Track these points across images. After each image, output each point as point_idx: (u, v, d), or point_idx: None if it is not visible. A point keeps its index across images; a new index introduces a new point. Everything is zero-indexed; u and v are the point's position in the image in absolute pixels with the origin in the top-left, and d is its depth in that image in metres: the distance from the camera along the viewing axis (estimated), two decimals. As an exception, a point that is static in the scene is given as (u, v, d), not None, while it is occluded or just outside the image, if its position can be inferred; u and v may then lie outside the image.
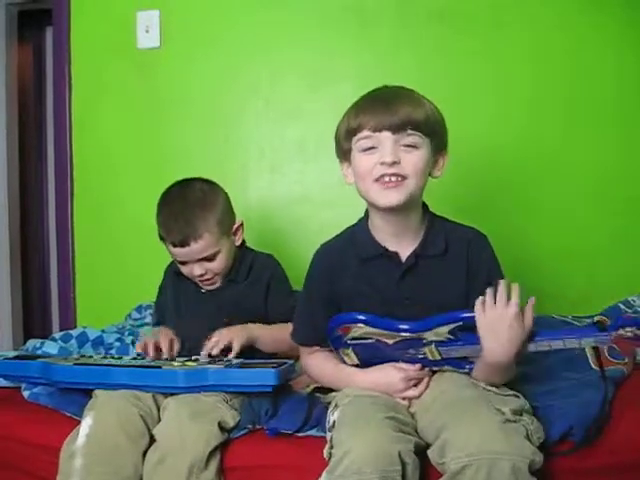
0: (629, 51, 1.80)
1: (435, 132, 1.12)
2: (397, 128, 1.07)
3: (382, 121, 1.08)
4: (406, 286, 1.13)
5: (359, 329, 1.10)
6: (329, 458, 0.99)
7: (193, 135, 2.07)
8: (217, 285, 1.43)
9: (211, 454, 1.07)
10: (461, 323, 1.04)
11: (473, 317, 1.03)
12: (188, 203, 1.37)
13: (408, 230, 1.15)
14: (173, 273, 1.49)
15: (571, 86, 1.84)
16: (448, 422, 0.97)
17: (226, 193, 1.47)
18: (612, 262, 1.83)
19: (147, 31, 2.06)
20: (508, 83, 1.87)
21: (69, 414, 1.22)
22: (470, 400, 1.02)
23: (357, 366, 1.15)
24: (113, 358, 1.32)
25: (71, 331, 1.69)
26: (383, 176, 1.08)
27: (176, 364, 1.23)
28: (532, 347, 1.04)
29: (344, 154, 1.17)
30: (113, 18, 2.11)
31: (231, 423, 1.14)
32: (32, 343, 1.60)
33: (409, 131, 1.08)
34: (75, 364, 1.26)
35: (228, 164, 2.05)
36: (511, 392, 1.07)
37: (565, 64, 1.84)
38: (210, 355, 1.28)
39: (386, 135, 1.08)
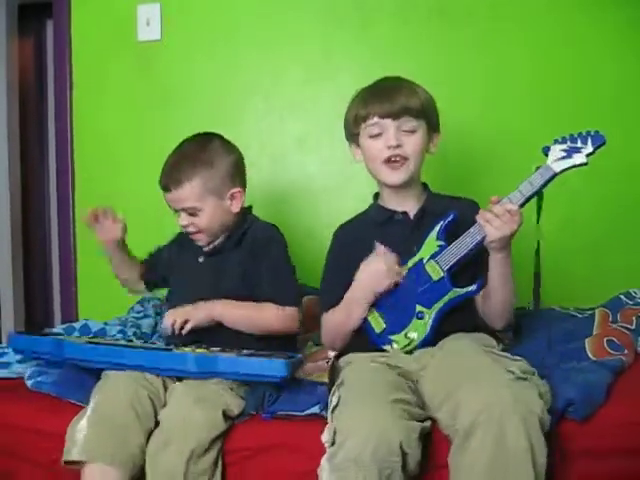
0: (628, 46, 1.80)
1: (428, 115, 1.33)
2: (397, 115, 1.29)
3: (385, 110, 1.29)
4: (416, 237, 1.30)
5: None
6: (331, 443, 0.99)
7: (194, 128, 2.02)
8: (202, 242, 1.45)
9: (213, 440, 1.08)
10: (442, 223, 1.26)
11: (452, 217, 1.26)
12: (184, 152, 1.44)
13: (412, 198, 1.37)
14: (176, 245, 1.56)
15: (570, 82, 1.84)
16: (459, 383, 1.01)
17: (239, 158, 1.48)
18: (614, 255, 1.83)
19: (148, 24, 2.06)
20: (508, 78, 1.88)
21: (73, 401, 1.23)
22: (480, 362, 1.07)
23: (384, 330, 1.27)
24: (124, 340, 1.36)
25: (74, 324, 1.69)
26: (389, 157, 1.30)
27: (187, 349, 1.24)
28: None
29: (352, 137, 1.39)
30: (114, 11, 2.11)
31: (236, 411, 1.15)
32: (34, 336, 1.60)
33: (407, 117, 1.29)
34: (88, 342, 1.28)
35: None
36: (517, 357, 1.11)
37: (564, 60, 1.84)
38: (173, 334, 1.32)
39: (389, 122, 1.29)
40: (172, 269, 1.54)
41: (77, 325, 1.67)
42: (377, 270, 1.25)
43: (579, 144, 1.22)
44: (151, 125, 2.10)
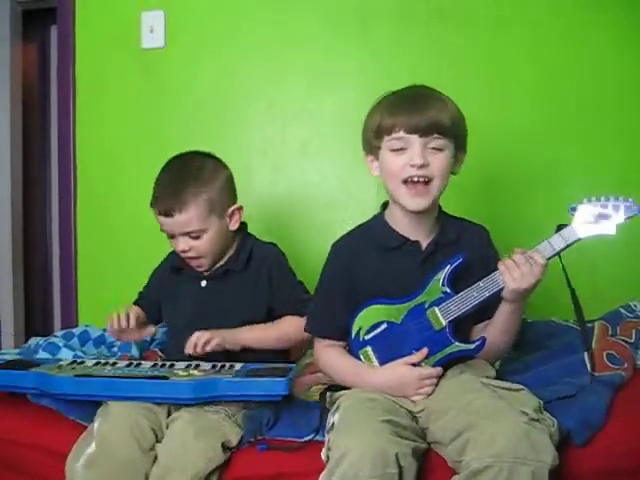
0: (629, 48, 1.80)
1: (457, 132, 1.21)
2: (425, 131, 1.16)
3: (414, 124, 1.15)
4: (424, 271, 1.20)
5: (372, 312, 1.19)
6: (327, 460, 1.00)
7: (196, 135, 2.07)
8: (204, 268, 1.40)
9: (211, 473, 1.06)
10: (449, 267, 1.16)
11: (460, 260, 1.15)
12: (182, 173, 1.36)
13: (426, 223, 1.25)
14: (170, 268, 1.48)
15: (572, 84, 1.84)
16: (473, 423, 0.98)
17: (231, 174, 1.45)
18: (614, 267, 1.82)
19: (151, 31, 2.07)
20: (509, 81, 1.87)
21: (73, 418, 1.21)
22: (493, 403, 1.03)
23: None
24: (107, 364, 1.30)
25: (73, 329, 1.69)
26: (411, 177, 1.17)
27: (182, 373, 1.20)
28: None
29: (371, 148, 1.25)
30: (118, 18, 2.12)
31: (234, 442, 1.12)
32: (34, 341, 1.60)
33: (435, 135, 1.16)
34: (76, 375, 1.20)
35: (231, 164, 2.02)
36: (518, 386, 1.09)
37: (566, 62, 1.84)
38: (195, 356, 1.29)
39: (416, 138, 1.16)
40: (167, 295, 1.48)
41: (76, 331, 1.67)
42: (409, 383, 1.13)
43: (609, 210, 1.10)
44: (154, 131, 2.10)
